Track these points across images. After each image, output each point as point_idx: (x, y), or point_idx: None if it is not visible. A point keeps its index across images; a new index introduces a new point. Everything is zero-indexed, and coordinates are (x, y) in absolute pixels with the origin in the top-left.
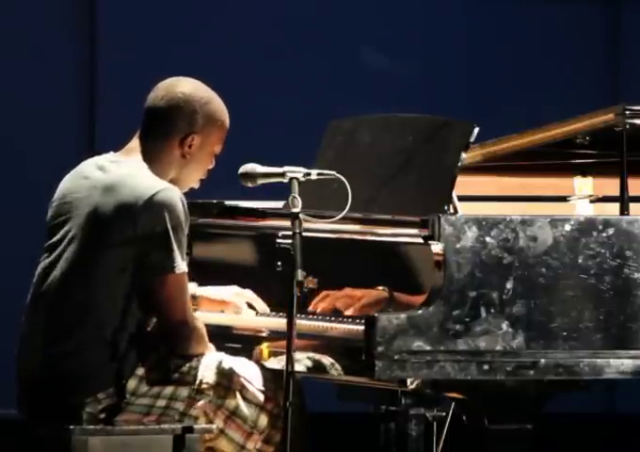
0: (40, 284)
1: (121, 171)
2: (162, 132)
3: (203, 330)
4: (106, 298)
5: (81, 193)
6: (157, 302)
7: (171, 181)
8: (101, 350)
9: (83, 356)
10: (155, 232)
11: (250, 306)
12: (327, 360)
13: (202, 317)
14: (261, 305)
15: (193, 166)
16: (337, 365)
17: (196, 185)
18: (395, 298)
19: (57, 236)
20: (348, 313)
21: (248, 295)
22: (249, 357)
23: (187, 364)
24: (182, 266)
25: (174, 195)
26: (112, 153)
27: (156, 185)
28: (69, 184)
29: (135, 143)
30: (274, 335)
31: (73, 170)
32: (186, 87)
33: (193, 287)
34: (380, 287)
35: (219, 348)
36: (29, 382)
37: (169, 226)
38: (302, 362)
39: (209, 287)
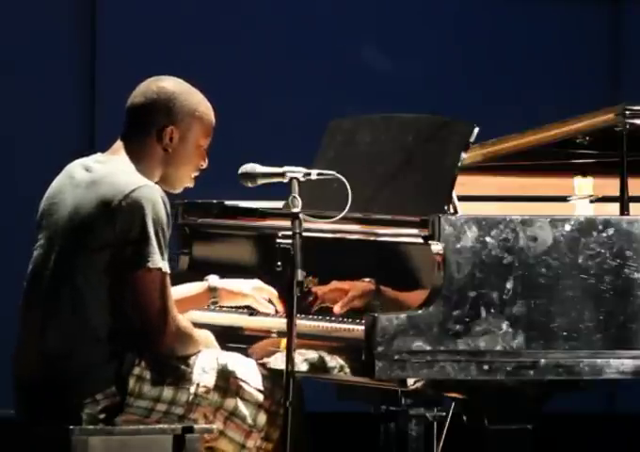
0: (32, 285)
1: (105, 169)
2: (140, 128)
3: (189, 330)
4: (94, 298)
5: (66, 193)
6: (132, 299)
7: (162, 179)
8: (96, 351)
9: (78, 357)
10: (133, 227)
11: (270, 302)
12: (332, 360)
13: (212, 318)
14: (277, 302)
15: (178, 161)
16: (345, 366)
17: (190, 184)
18: (386, 295)
19: (45, 237)
20: (337, 308)
21: (270, 290)
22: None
23: (183, 366)
24: (157, 262)
25: (154, 192)
26: (99, 153)
27: (136, 181)
28: (56, 184)
29: (119, 143)
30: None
31: (62, 172)
32: (163, 82)
33: (214, 279)
34: (367, 279)
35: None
36: (26, 385)
37: (147, 222)
38: (305, 361)
39: (230, 280)
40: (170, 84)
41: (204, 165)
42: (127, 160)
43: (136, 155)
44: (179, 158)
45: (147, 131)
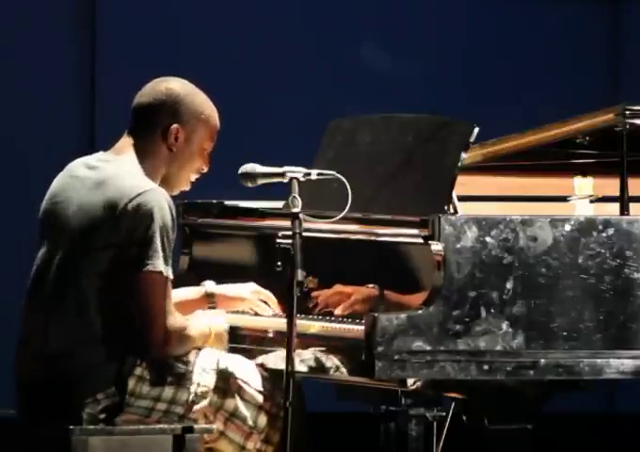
0: (35, 285)
1: (112, 170)
2: (147, 127)
3: (187, 332)
4: (97, 299)
5: (70, 192)
6: (133, 300)
7: (163, 180)
8: (97, 351)
9: (80, 357)
10: (138, 231)
11: (265, 304)
12: (331, 360)
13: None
14: (274, 304)
15: (182, 162)
16: (342, 367)
17: (187, 187)
18: (387, 297)
19: (49, 237)
20: (338, 311)
21: (266, 293)
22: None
23: (183, 366)
24: (158, 265)
25: (160, 196)
26: (102, 152)
27: (142, 185)
28: (58, 184)
29: (123, 142)
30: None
31: (63, 171)
32: (170, 83)
33: (211, 285)
34: (370, 285)
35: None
36: (27, 384)
37: (152, 226)
38: (304, 362)
39: (226, 285)
40: (178, 85)
41: (205, 169)
42: (132, 160)
43: (142, 154)
44: (182, 159)
45: (153, 130)
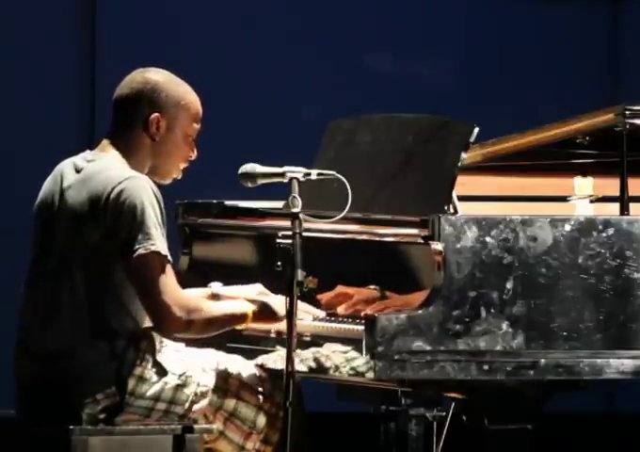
0: (32, 285)
1: (95, 167)
2: (127, 119)
3: (202, 309)
4: (94, 297)
5: (58, 194)
6: (135, 286)
7: (151, 171)
8: (96, 351)
9: (79, 357)
10: (124, 215)
11: None
12: (331, 360)
13: None
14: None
15: (167, 151)
16: (345, 366)
17: (178, 175)
18: (388, 298)
19: (42, 238)
20: (340, 310)
21: (272, 294)
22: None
23: (183, 370)
24: (150, 246)
25: (141, 182)
26: (88, 151)
27: (123, 174)
28: (48, 185)
29: (107, 138)
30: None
31: (52, 173)
32: (148, 73)
33: (217, 286)
34: (372, 286)
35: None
36: (27, 384)
37: (137, 208)
38: (307, 362)
39: (233, 287)
40: (156, 74)
41: (193, 156)
42: (116, 155)
43: (125, 149)
44: (167, 148)
45: (134, 122)
